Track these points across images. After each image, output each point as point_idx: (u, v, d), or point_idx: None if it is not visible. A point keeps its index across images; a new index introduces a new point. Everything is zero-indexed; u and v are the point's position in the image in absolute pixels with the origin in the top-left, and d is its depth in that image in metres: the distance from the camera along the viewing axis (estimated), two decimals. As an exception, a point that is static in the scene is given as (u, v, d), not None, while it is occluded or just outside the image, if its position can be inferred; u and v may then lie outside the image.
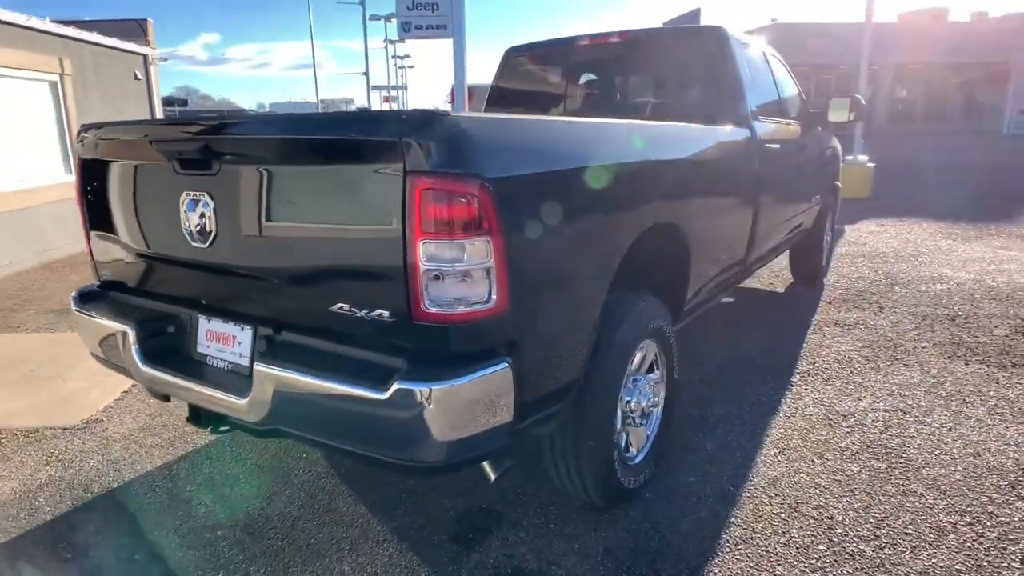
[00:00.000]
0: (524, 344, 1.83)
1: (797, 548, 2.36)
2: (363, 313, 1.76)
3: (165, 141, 2.07)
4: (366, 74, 30.96)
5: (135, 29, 10.47)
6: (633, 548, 2.37)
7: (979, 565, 2.26)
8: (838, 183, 6.25)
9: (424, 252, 1.61)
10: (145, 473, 2.96)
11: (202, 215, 2.02)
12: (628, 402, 2.54)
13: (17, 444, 3.27)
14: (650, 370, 2.74)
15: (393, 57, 46.75)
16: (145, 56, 10.31)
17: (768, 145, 3.80)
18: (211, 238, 2.02)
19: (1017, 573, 2.21)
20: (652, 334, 2.58)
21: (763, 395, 3.65)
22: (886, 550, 2.34)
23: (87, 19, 10.91)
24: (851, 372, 3.94)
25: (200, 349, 2.20)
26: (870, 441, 3.11)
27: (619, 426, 2.49)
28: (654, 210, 2.42)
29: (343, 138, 1.70)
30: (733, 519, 2.54)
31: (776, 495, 2.69)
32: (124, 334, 2.24)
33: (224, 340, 2.13)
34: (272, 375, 1.83)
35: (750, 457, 2.99)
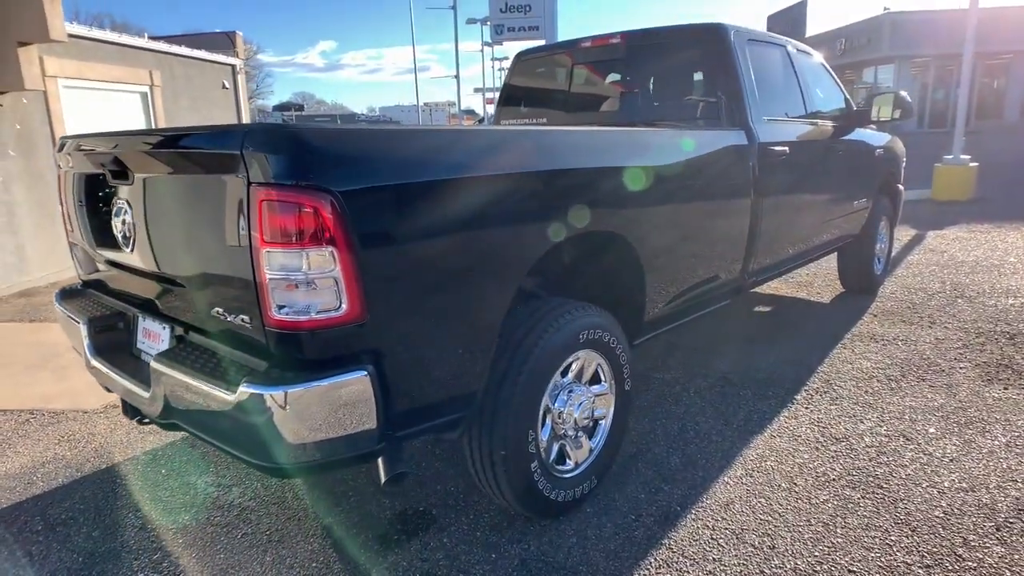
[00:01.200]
0: (390, 354, 1.84)
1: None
2: (232, 318, 1.84)
3: (99, 153, 2.24)
4: (456, 77, 31.99)
5: (224, 41, 11.26)
6: (549, 562, 2.33)
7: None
8: (900, 186, 5.79)
9: (268, 261, 1.67)
10: (132, 457, 3.20)
11: (123, 221, 2.18)
12: (559, 413, 2.49)
13: (41, 424, 3.63)
14: (595, 381, 2.67)
15: (493, 60, 47.63)
16: (233, 66, 11.06)
17: (775, 148, 3.59)
18: (131, 243, 2.18)
19: (959, 625, 1.99)
20: (588, 344, 2.51)
21: (757, 412, 3.46)
22: (818, 587, 2.17)
23: (182, 33, 11.89)
24: (865, 392, 3.65)
25: (139, 345, 2.37)
26: (854, 468, 2.88)
27: (544, 437, 2.45)
28: (579, 219, 2.36)
29: (201, 151, 1.79)
30: (666, 541, 2.43)
31: (723, 519, 2.55)
32: (79, 329, 2.45)
33: (152, 337, 2.28)
34: (161, 371, 1.95)
35: (712, 477, 2.85)
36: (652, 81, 3.92)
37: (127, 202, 2.15)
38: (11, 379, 4.25)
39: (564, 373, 2.52)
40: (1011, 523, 2.46)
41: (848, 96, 4.84)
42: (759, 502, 2.65)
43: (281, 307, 1.70)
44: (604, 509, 2.64)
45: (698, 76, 3.70)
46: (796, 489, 2.74)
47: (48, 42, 6.25)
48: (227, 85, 10.96)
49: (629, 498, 2.71)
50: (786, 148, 3.69)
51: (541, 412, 2.39)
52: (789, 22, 38.57)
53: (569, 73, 4.16)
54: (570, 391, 2.53)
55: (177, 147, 1.89)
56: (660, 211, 2.81)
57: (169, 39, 9.82)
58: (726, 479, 2.83)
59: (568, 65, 4.16)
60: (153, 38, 9.69)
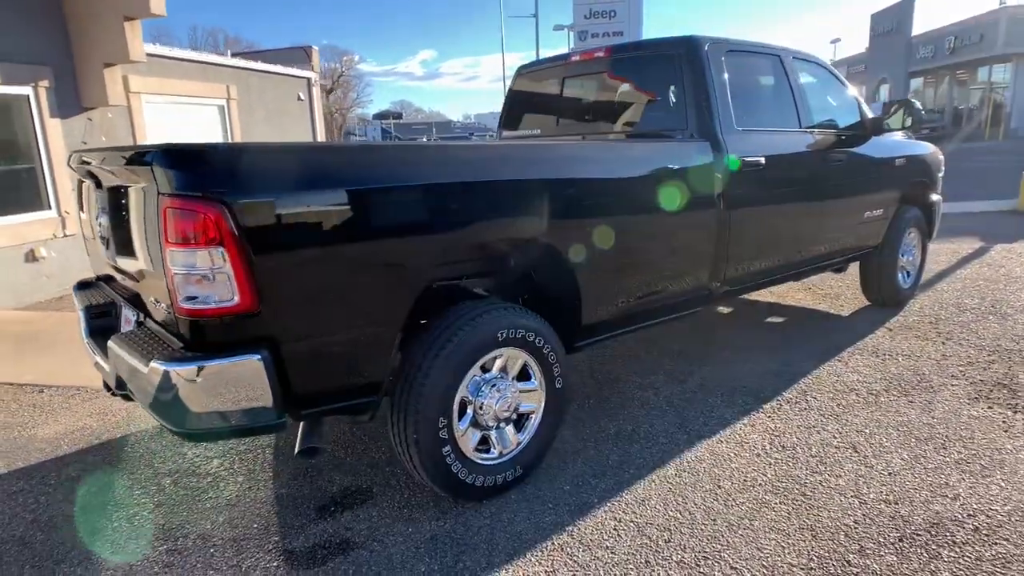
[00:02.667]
0: (286, 342, 2.14)
1: (610, 563, 2.38)
2: (161, 306, 2.19)
3: (84, 166, 2.68)
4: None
5: (301, 56, 12.08)
6: (456, 539, 2.55)
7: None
8: (935, 197, 5.57)
9: (173, 259, 2.00)
10: (143, 430, 3.67)
11: (101, 223, 2.60)
12: (480, 405, 2.70)
13: (83, 399, 4.19)
14: (524, 378, 2.87)
15: None
16: (308, 79, 11.86)
17: (749, 159, 3.63)
18: (108, 242, 2.59)
19: (813, 624, 2.06)
20: (510, 343, 2.71)
21: (717, 418, 3.52)
22: (693, 579, 2.28)
23: (265, 49, 12.82)
24: (837, 405, 3.62)
25: (121, 329, 2.79)
26: (786, 475, 2.92)
27: (463, 426, 2.67)
28: (497, 229, 2.57)
29: (132, 166, 2.15)
30: (571, 528, 2.59)
31: (634, 513, 2.68)
32: (79, 315, 2.91)
33: (127, 323, 2.68)
34: (113, 348, 2.33)
35: (642, 475, 2.97)
36: (631, 94, 4.04)
37: (102, 207, 2.56)
38: (70, 359, 4.89)
39: (487, 368, 2.73)
40: (917, 535, 2.46)
41: (864, 105, 4.75)
42: (675, 500, 2.76)
43: (186, 297, 2.03)
44: (527, 497, 2.83)
45: (664, 90, 3.79)
46: (718, 491, 2.82)
47: (129, 63, 7.05)
48: (302, 97, 11.76)
49: (555, 489, 2.88)
50: (762, 159, 3.72)
51: (457, 402, 2.61)
52: (894, 19, 36.55)
53: (560, 86, 4.35)
54: (493, 385, 2.73)
55: (122, 163, 2.27)
56: (594, 221, 2.96)
57: (248, 55, 10.69)
58: (654, 478, 2.95)
59: (560, 79, 4.35)
60: (236, 54, 10.58)
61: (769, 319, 5.34)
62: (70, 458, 3.39)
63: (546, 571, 2.35)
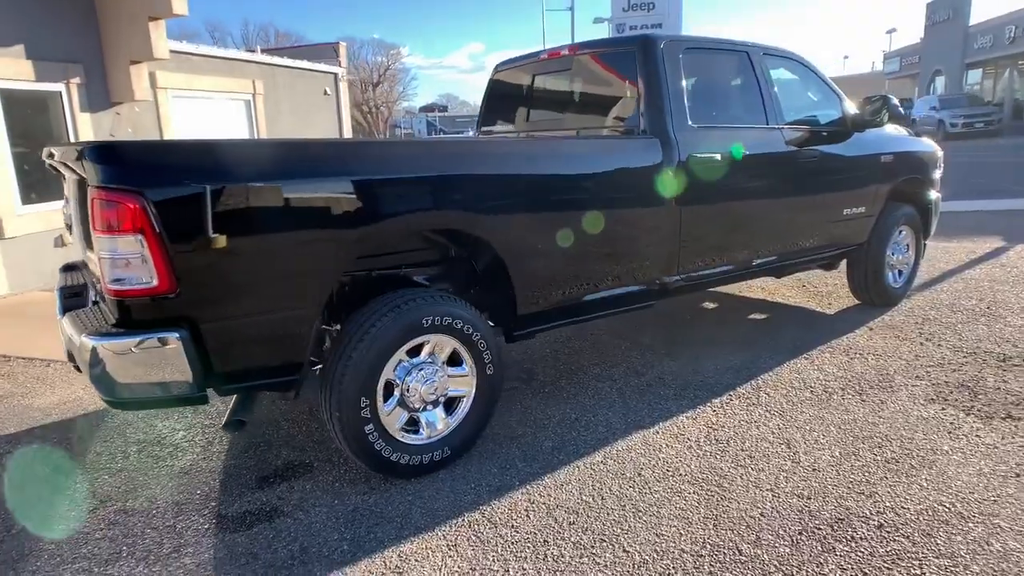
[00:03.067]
0: (204, 322, 2.33)
1: (511, 540, 2.50)
2: (99, 288, 2.41)
3: (51, 159, 2.93)
4: None
5: (329, 52, 12.41)
6: (375, 511, 2.71)
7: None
8: (933, 194, 5.46)
9: (99, 244, 2.21)
10: (126, 402, 3.95)
11: (65, 212, 2.84)
12: (407, 387, 2.86)
13: (80, 373, 4.52)
14: (456, 363, 3.01)
15: None
16: (335, 74, 12.19)
17: (702, 155, 3.68)
18: (70, 228, 2.84)
19: (682, 605, 2.15)
20: (437, 329, 2.85)
21: (662, 411, 3.59)
22: (583, 557, 2.39)
23: (295, 45, 13.19)
24: (788, 402, 3.65)
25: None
26: (710, 467, 2.99)
27: (389, 407, 2.83)
28: (414, 223, 2.73)
29: (71, 162, 2.37)
30: (484, 508, 2.72)
31: (548, 497, 2.79)
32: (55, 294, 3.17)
33: (90, 303, 2.93)
34: (63, 324, 2.57)
35: (569, 461, 3.07)
36: (593, 91, 4.11)
37: (69, 198, 2.81)
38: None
39: (415, 353, 2.88)
40: (818, 530, 2.51)
41: (846, 102, 4.70)
42: (593, 485, 2.86)
43: (112, 279, 2.23)
44: (454, 477, 2.97)
45: (619, 88, 3.86)
46: (637, 479, 2.91)
47: (154, 60, 7.43)
48: (328, 92, 12.10)
49: (483, 471, 3.02)
50: (718, 156, 3.76)
51: (382, 384, 2.77)
52: (950, 8, 35.00)
53: (531, 84, 4.45)
54: (420, 369, 2.88)
55: (71, 158, 2.49)
56: (525, 217, 3.07)
57: (276, 51, 11.05)
58: (580, 464, 3.05)
59: (532, 76, 4.45)
60: (267, 51, 10.94)
61: (752, 316, 5.33)
62: (57, 426, 3.68)
63: (448, 545, 2.49)
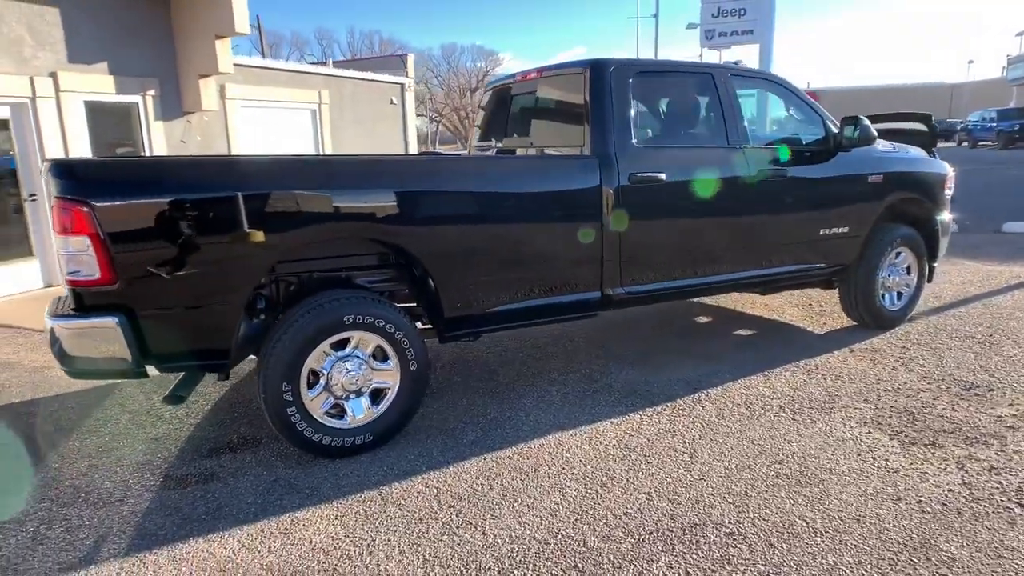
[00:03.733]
0: (140, 310, 2.80)
1: (393, 516, 2.83)
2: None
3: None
4: None
5: (397, 63, 13.12)
6: (291, 483, 3.10)
7: (482, 567, 2.49)
8: (939, 216, 5.30)
9: (57, 242, 2.72)
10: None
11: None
12: (330, 377, 3.24)
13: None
14: (382, 358, 3.36)
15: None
16: (402, 84, 12.87)
17: (644, 174, 3.85)
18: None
19: (506, 582, 2.40)
20: (359, 327, 3.22)
21: (591, 415, 3.78)
22: (445, 535, 2.68)
23: (367, 56, 13.97)
24: (719, 416, 3.76)
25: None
26: (603, 469, 3.19)
27: (313, 393, 3.22)
28: (334, 230, 3.11)
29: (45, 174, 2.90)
30: (383, 487, 3.05)
31: (443, 482, 3.09)
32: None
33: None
34: (46, 309, 3.13)
35: (479, 454, 3.36)
36: (552, 112, 4.36)
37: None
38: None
39: (341, 347, 3.27)
40: (669, 532, 2.67)
41: (829, 122, 4.69)
42: (488, 476, 3.14)
43: (68, 272, 2.75)
44: (374, 460, 3.32)
45: (568, 110, 4.08)
46: (530, 474, 3.15)
47: (219, 74, 8.26)
48: (395, 101, 12.80)
49: (400, 456, 3.36)
50: (662, 175, 3.92)
51: (306, 372, 3.16)
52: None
53: (510, 103, 4.74)
54: (345, 361, 3.26)
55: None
56: (447, 228, 3.38)
57: (345, 63, 11.83)
58: (488, 457, 3.33)
59: (510, 96, 4.74)
60: (338, 63, 11.73)
61: (738, 331, 5.37)
62: (72, 394, 4.33)
63: (336, 515, 2.85)
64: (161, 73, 8.11)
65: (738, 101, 4.36)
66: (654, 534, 2.66)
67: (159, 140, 8.17)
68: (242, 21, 7.92)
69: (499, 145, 4.86)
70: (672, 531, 2.68)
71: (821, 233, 4.69)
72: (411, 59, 13.48)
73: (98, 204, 2.67)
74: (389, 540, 2.67)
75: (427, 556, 2.56)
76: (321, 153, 10.31)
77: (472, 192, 3.47)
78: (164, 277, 2.81)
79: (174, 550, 2.63)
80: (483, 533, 2.70)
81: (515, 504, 2.90)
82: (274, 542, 2.67)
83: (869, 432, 3.51)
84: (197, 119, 8.65)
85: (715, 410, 3.82)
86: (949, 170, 5.40)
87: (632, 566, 2.47)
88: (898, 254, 5.16)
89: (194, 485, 3.13)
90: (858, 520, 2.72)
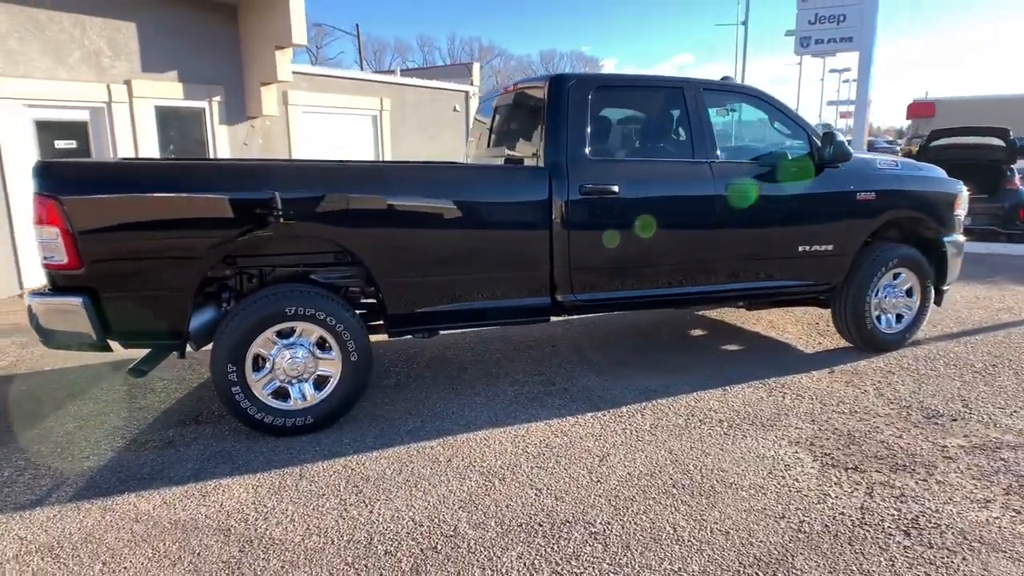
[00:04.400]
0: (103, 293, 3.25)
1: (304, 489, 3.13)
2: (47, 261, 3.44)
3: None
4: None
5: (463, 71, 13.57)
6: (229, 453, 3.46)
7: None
8: (948, 237, 5.07)
9: (34, 231, 3.21)
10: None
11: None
12: (274, 362, 3.59)
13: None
14: (325, 348, 3.68)
15: (832, 71, 44.72)
16: (466, 92, 13.30)
17: (595, 186, 3.97)
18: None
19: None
20: (301, 318, 3.54)
21: (531, 416, 3.94)
22: (337, 509, 2.94)
23: (439, 64, 14.49)
24: (652, 425, 3.81)
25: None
26: (510, 464, 3.34)
27: (258, 375, 3.57)
28: (292, 230, 3.46)
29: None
30: (307, 463, 3.36)
31: (359, 464, 3.35)
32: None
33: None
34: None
35: (409, 443, 3.59)
36: (521, 123, 4.53)
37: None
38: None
39: (286, 335, 3.60)
40: (540, 525, 2.81)
41: (815, 137, 4.60)
42: (401, 463, 3.37)
43: (44, 257, 3.23)
44: (312, 440, 3.63)
45: (530, 122, 4.24)
46: (442, 463, 3.36)
47: (278, 82, 8.95)
48: (458, 109, 13.25)
49: (337, 440, 3.65)
50: (616, 187, 4.02)
51: (250, 356, 3.52)
52: None
53: (494, 115, 4.96)
54: (289, 349, 3.60)
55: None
56: (388, 231, 3.64)
57: (412, 71, 12.39)
58: (414, 446, 3.56)
59: (495, 108, 4.96)
60: (405, 72, 12.32)
61: (725, 346, 5.33)
62: (90, 367, 4.93)
63: (253, 485, 3.18)
64: (226, 81, 8.88)
65: (708, 115, 4.38)
66: (523, 527, 2.81)
67: (223, 142, 8.95)
68: (299, 33, 8.55)
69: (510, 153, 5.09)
70: (542, 525, 2.82)
71: (800, 250, 4.61)
72: (476, 68, 13.92)
73: (65, 199, 3.14)
74: (287, 510, 2.96)
75: (311, 526, 2.84)
76: (375, 159, 10.87)
77: (413, 199, 3.72)
78: (121, 266, 3.24)
79: (108, 501, 3.04)
80: (370, 512, 2.94)
81: (413, 489, 3.13)
82: (190, 502, 3.03)
83: (795, 452, 3.48)
84: (259, 123, 9.39)
85: (653, 420, 3.88)
86: (960, 189, 5.13)
87: (486, 552, 2.64)
88: (896, 275, 4.97)
89: (151, 450, 3.56)
90: (727, 533, 2.75)
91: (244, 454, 3.49)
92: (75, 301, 3.22)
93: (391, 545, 2.70)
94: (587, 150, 4.02)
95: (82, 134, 7.58)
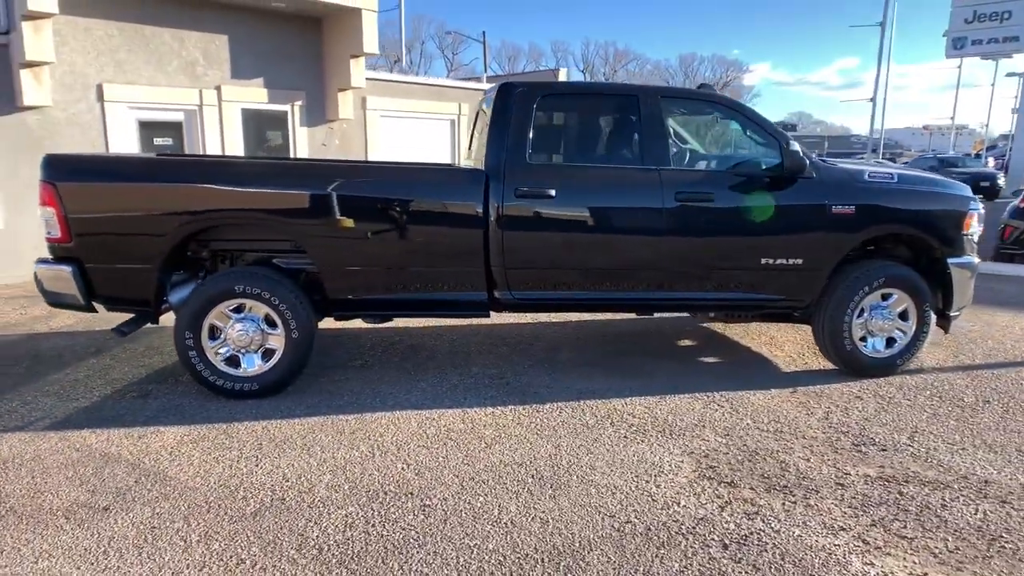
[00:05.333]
0: (88, 263, 3.93)
1: (214, 442, 3.61)
2: (54, 236, 4.19)
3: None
4: (873, 100, 28.91)
5: (551, 76, 13.86)
6: (179, 407, 4.04)
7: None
8: (954, 259, 4.69)
9: (39, 212, 3.95)
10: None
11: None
12: (226, 333, 4.12)
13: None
14: (272, 325, 4.17)
15: (1009, 75, 40.29)
16: (550, 98, 13.58)
17: (530, 189, 4.14)
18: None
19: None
20: (247, 296, 4.04)
21: (453, 403, 4.18)
22: (231, 462, 3.39)
23: (525, 71, 14.81)
24: (563, 421, 3.94)
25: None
26: (392, 441, 3.63)
27: (212, 343, 4.11)
28: (240, 218, 3.99)
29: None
30: (233, 423, 3.83)
31: (273, 429, 3.78)
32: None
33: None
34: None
35: (326, 415, 3.98)
36: (484, 127, 4.76)
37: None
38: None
39: (239, 311, 4.13)
40: (379, 494, 3.09)
41: (787, 147, 4.45)
42: (305, 430, 3.76)
43: (46, 232, 3.96)
44: (257, 404, 4.11)
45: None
46: (344, 436, 3.71)
47: (354, 88, 9.74)
48: (542, 112, 13.54)
49: (276, 405, 4.10)
50: (552, 191, 4.17)
51: (206, 325, 4.07)
52: None
53: (477, 117, 5.23)
54: (240, 322, 4.11)
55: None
56: (324, 224, 4.05)
57: (498, 78, 12.84)
58: (328, 418, 3.93)
59: (480, 111, 5.23)
60: (491, 78, 12.80)
61: (706, 357, 5.26)
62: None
63: (183, 433, 3.70)
64: (308, 86, 9.81)
65: (664, 123, 4.40)
66: (370, 493, 3.10)
67: (303, 143, 9.89)
68: (371, 43, 9.30)
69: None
70: (387, 494, 3.09)
71: (763, 263, 4.48)
72: (563, 73, 14.14)
73: (60, 184, 3.84)
74: (191, 456, 3.46)
75: (201, 471, 3.30)
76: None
77: (350, 195, 4.10)
78: (100, 240, 3.91)
79: (68, 433, 3.69)
80: (255, 465, 3.36)
81: (304, 452, 3.50)
82: (124, 440, 3.61)
83: (681, 461, 3.48)
84: (337, 126, 10.26)
85: (565, 418, 3.99)
86: (972, 208, 4.70)
87: (323, 508, 2.96)
88: (886, 296, 4.67)
89: (128, 399, 4.21)
90: (545, 522, 2.88)
91: (195, 409, 4.04)
92: (65, 269, 3.92)
93: (250, 492, 3.10)
94: (527, 154, 4.20)
95: (177, 132, 8.74)
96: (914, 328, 4.73)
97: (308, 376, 4.58)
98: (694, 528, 2.86)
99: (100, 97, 7.89)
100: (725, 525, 2.89)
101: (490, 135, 4.25)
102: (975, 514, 3.00)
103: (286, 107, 9.73)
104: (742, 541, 2.77)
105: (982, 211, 4.84)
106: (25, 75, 7.09)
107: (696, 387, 4.53)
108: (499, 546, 2.71)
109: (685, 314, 5.55)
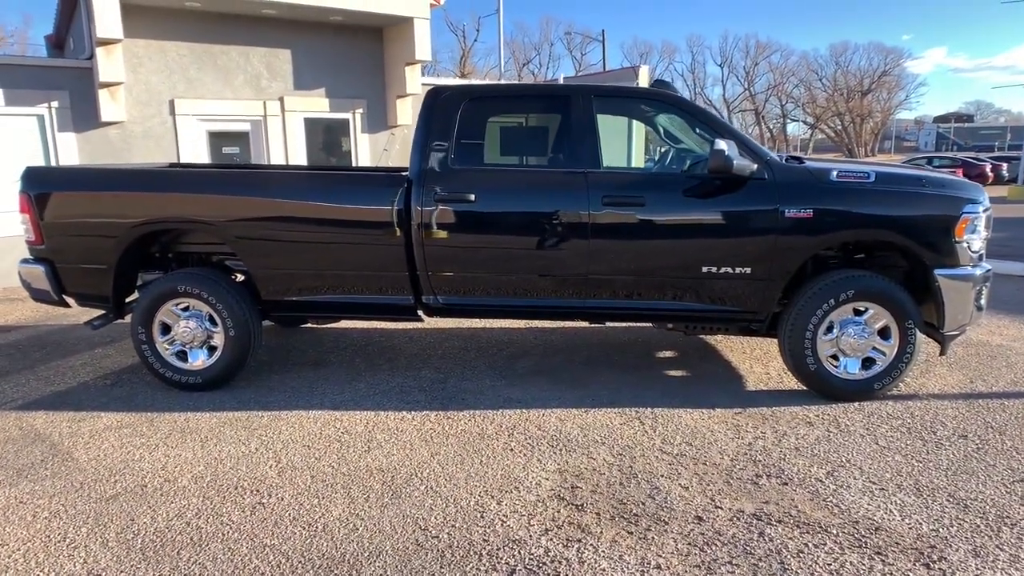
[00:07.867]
0: (58, 263, 4.44)
1: (144, 426, 3.96)
2: (42, 239, 4.76)
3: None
4: None
5: (630, 75, 13.43)
6: (131, 396, 4.45)
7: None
8: (943, 271, 4.08)
9: (20, 218, 4.52)
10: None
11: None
12: (175, 329, 4.48)
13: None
14: (214, 322, 4.48)
15: None
16: (628, 95, 13.18)
17: (459, 195, 4.12)
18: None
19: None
20: (188, 295, 4.37)
21: (376, 405, 4.27)
22: (152, 446, 3.71)
23: (603, 71, 14.35)
24: (461, 429, 3.89)
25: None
26: (290, 439, 3.77)
27: (163, 338, 4.49)
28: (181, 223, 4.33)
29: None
30: (174, 413, 4.18)
31: (202, 420, 4.07)
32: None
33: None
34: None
35: (259, 409, 4.22)
36: None
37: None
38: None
39: (188, 309, 4.47)
40: (215, 485, 3.25)
41: (717, 145, 4.02)
42: (229, 423, 4.00)
43: (25, 236, 4.53)
44: (200, 397, 4.45)
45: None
46: (253, 430, 3.92)
47: (410, 95, 10.08)
48: (619, 110, 13.19)
49: (213, 398, 4.41)
50: (472, 196, 4.12)
51: (157, 321, 4.45)
52: None
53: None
54: (188, 320, 4.46)
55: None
56: (258, 231, 4.27)
57: (574, 78, 12.70)
58: (257, 412, 4.16)
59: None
60: (568, 78, 12.70)
61: (674, 371, 4.93)
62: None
63: (122, 419, 4.08)
64: (369, 94, 10.29)
65: (594, 124, 4.20)
66: (213, 484, 3.26)
67: (364, 149, 10.39)
68: (423, 51, 9.58)
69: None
70: (211, 486, 3.23)
71: (704, 271, 4.14)
72: (644, 71, 13.60)
73: (34, 195, 4.38)
74: (105, 441, 3.81)
75: (102, 455, 3.63)
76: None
77: (275, 201, 4.30)
78: (64, 242, 4.41)
79: (27, 414, 4.21)
80: (149, 454, 3.64)
81: (197, 445, 3.73)
82: (64, 423, 4.05)
83: (543, 479, 3.32)
84: (398, 131, 10.65)
85: (466, 427, 3.93)
86: (968, 211, 4.02)
87: (170, 490, 3.16)
88: (860, 311, 4.14)
89: (100, 386, 4.71)
90: (351, 527, 2.88)
91: (141, 399, 4.44)
92: (39, 268, 4.46)
93: (123, 477, 3.37)
94: (450, 159, 4.18)
95: (244, 142, 9.52)
96: (896, 348, 4.15)
97: (262, 372, 4.87)
98: (497, 550, 2.74)
99: (172, 111, 8.80)
100: (533, 550, 2.74)
101: (414, 140, 4.27)
102: (829, 565, 2.61)
103: (347, 115, 10.27)
104: (535, 569, 2.61)
105: (989, 214, 4.13)
106: (103, 94, 8.07)
107: (633, 401, 4.27)
108: (293, 548, 2.75)
109: (648, 324, 5.20)
